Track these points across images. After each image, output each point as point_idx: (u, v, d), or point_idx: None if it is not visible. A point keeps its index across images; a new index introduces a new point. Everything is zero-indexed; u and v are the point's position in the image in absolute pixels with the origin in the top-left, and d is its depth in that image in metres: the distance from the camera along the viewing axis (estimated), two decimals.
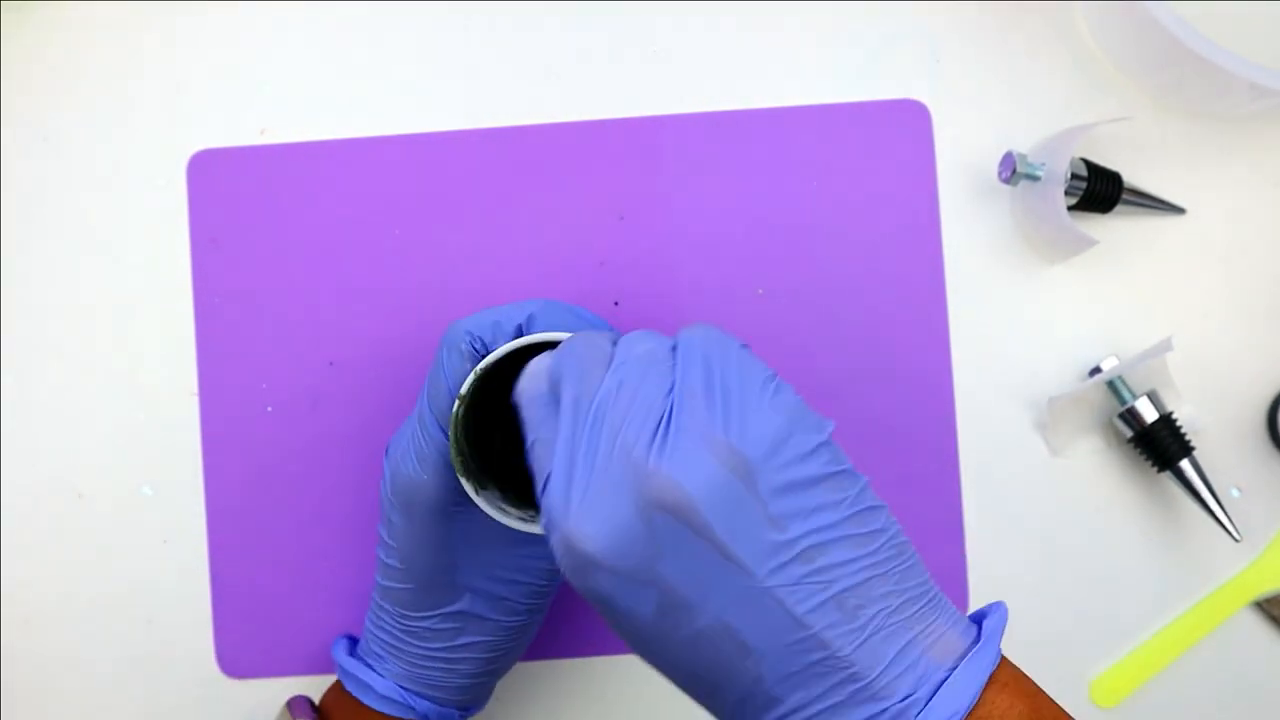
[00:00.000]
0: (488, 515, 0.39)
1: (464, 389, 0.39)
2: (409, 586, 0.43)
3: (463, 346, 0.40)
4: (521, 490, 0.41)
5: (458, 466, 0.39)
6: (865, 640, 0.30)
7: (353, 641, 0.49)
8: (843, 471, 0.32)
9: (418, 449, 0.41)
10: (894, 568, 0.32)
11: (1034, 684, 0.33)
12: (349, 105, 0.53)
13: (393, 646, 0.45)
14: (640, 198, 0.52)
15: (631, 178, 0.52)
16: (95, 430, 0.52)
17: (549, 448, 0.33)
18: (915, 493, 0.51)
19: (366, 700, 0.45)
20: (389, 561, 0.44)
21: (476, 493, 0.39)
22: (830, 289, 0.52)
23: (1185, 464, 0.50)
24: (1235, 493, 0.52)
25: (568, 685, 0.52)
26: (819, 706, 0.30)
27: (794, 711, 0.31)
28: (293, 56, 0.53)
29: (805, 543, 0.30)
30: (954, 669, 0.31)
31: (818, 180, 0.52)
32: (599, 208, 0.52)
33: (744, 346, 0.34)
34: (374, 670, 0.45)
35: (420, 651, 0.44)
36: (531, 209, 0.52)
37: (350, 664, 0.46)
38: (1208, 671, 0.52)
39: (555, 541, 0.32)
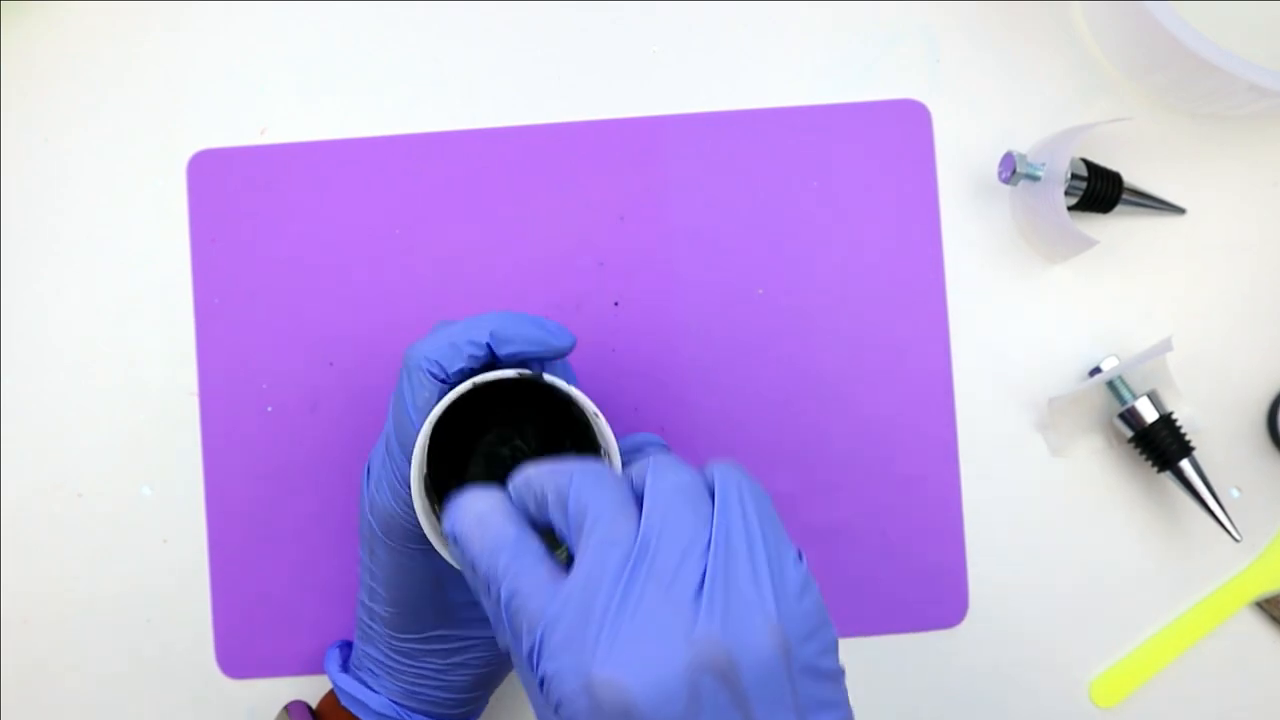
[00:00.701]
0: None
1: (421, 435, 0.38)
2: (394, 611, 0.43)
3: (421, 372, 0.39)
4: None
5: (423, 519, 0.38)
6: None
7: (346, 649, 0.48)
8: (841, 670, 0.32)
9: (390, 480, 0.40)
10: None
11: None
12: (349, 105, 0.53)
13: (384, 665, 0.45)
14: (640, 198, 0.52)
15: (632, 178, 0.52)
16: (95, 430, 0.52)
17: (543, 593, 0.31)
18: (915, 493, 0.51)
19: (364, 717, 0.45)
20: (373, 585, 0.43)
21: (443, 543, 0.38)
22: (830, 289, 0.52)
23: (1185, 464, 0.50)
24: (1235, 493, 0.52)
25: None
26: None
27: None
28: (293, 56, 0.53)
29: None
30: None
31: (818, 180, 0.52)
32: (599, 208, 0.52)
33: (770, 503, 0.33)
34: (368, 687, 0.45)
35: (412, 670, 0.44)
36: (532, 209, 0.52)
37: (344, 681, 0.46)
38: (1208, 672, 0.52)
39: (566, 679, 0.29)
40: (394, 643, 0.44)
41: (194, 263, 0.52)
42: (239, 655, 0.52)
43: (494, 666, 0.45)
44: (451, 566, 0.40)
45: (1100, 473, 0.52)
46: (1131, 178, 0.51)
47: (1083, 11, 0.53)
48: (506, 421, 0.44)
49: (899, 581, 0.51)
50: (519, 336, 0.39)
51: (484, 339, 0.39)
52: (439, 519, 0.39)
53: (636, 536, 0.30)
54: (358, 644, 0.46)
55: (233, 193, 0.52)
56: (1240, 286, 0.52)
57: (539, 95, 0.53)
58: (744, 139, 0.52)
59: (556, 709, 0.30)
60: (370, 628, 0.45)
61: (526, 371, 0.39)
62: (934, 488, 0.52)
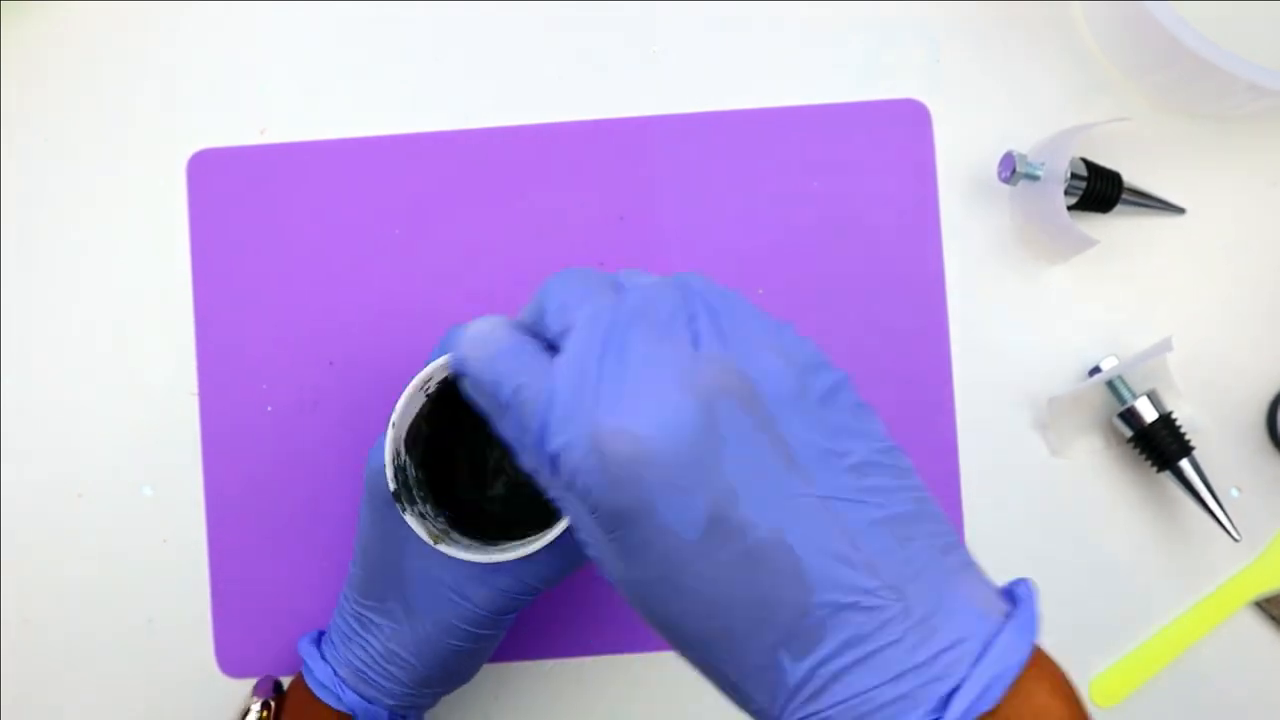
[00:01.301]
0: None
1: (394, 415, 0.40)
2: (361, 572, 0.44)
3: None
4: (473, 522, 0.43)
5: (391, 483, 0.40)
6: (916, 575, 0.27)
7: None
8: (868, 406, 0.29)
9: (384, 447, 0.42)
10: (932, 510, 0.29)
11: (1067, 680, 0.29)
12: (349, 105, 0.53)
13: (343, 633, 0.45)
14: (640, 198, 0.52)
15: (632, 178, 0.52)
16: (95, 430, 0.52)
17: (543, 374, 0.28)
18: None
19: (308, 682, 0.46)
20: (356, 545, 0.45)
21: (405, 510, 0.40)
22: (830, 289, 0.52)
23: (1185, 464, 0.50)
24: (1235, 492, 0.52)
25: (558, 687, 0.52)
26: (869, 647, 0.26)
27: (840, 651, 0.26)
28: (293, 56, 0.53)
29: (855, 457, 0.28)
30: (1000, 627, 0.28)
31: (818, 180, 0.52)
32: (599, 208, 0.52)
33: None
34: (322, 657, 0.46)
35: (361, 642, 0.45)
36: (532, 209, 0.52)
37: (304, 647, 0.47)
38: (1207, 671, 0.52)
39: (574, 446, 0.27)
40: (355, 608, 0.45)
41: (194, 262, 0.52)
42: (238, 654, 0.52)
43: (433, 670, 0.44)
44: (418, 538, 0.40)
45: (1100, 472, 0.52)
46: (1131, 177, 0.51)
47: (1083, 11, 0.53)
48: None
49: None
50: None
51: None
52: (414, 496, 0.41)
53: (621, 304, 0.28)
54: (335, 620, 0.47)
55: (232, 192, 0.52)
56: (1240, 286, 0.52)
57: (538, 95, 0.53)
58: (744, 139, 0.52)
59: (570, 485, 0.27)
60: (344, 595, 0.46)
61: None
62: (933, 487, 0.51)
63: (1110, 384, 0.51)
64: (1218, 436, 0.52)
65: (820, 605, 0.26)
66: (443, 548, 0.40)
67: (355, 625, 0.45)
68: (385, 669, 0.44)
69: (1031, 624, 0.28)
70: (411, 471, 0.42)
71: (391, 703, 0.45)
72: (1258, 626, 0.52)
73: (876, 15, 0.53)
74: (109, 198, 0.52)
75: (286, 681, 0.52)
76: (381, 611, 0.44)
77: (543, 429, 0.27)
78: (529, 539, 0.40)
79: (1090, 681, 0.52)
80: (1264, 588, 0.52)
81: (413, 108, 0.53)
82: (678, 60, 0.53)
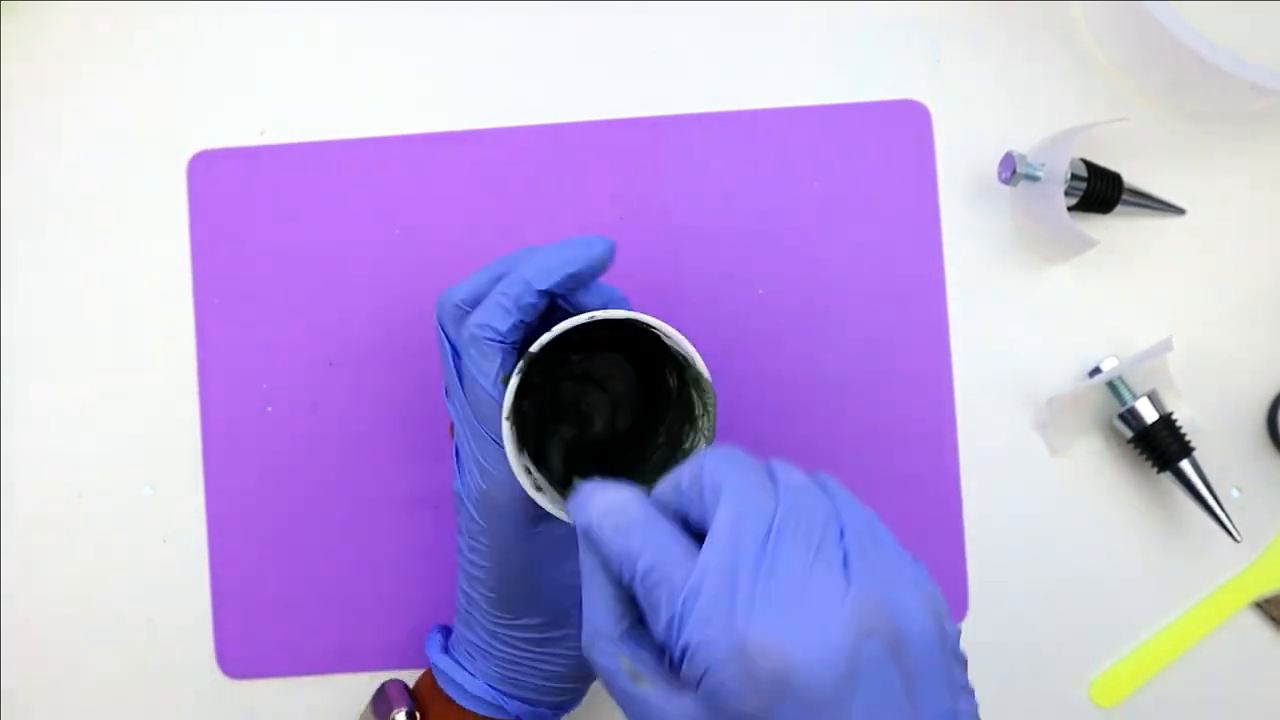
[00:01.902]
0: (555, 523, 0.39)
1: (505, 405, 0.37)
2: (491, 594, 0.43)
3: (482, 343, 0.39)
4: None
5: (523, 481, 0.38)
6: None
7: (446, 632, 0.48)
8: (963, 653, 0.31)
9: (478, 460, 0.40)
10: None
11: None
12: (349, 106, 0.53)
13: (481, 649, 0.44)
14: (640, 198, 0.52)
15: (631, 178, 0.52)
16: (95, 430, 0.52)
17: (683, 565, 0.29)
18: (915, 493, 0.51)
19: (458, 699, 0.44)
20: (471, 569, 0.43)
21: (538, 490, 0.38)
22: (830, 289, 0.52)
23: (1185, 464, 0.50)
24: (1235, 493, 0.52)
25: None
26: None
27: None
28: (293, 57, 0.53)
29: (963, 718, 0.29)
30: None
31: (818, 181, 0.52)
32: (599, 208, 0.52)
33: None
34: (465, 669, 0.45)
35: (508, 655, 0.44)
36: (532, 209, 0.52)
37: (443, 662, 0.45)
38: (1208, 672, 0.52)
39: (715, 646, 0.28)
40: (491, 626, 0.43)
41: (194, 263, 0.52)
42: (239, 655, 0.52)
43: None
44: (549, 548, 0.40)
45: (1100, 473, 0.52)
46: (1131, 178, 0.51)
47: (1083, 12, 0.53)
48: (575, 364, 0.44)
49: None
50: (558, 267, 0.39)
51: (528, 289, 0.39)
52: (538, 477, 0.39)
53: (776, 507, 0.29)
54: (457, 627, 0.46)
55: (232, 193, 0.52)
56: (1240, 286, 0.52)
57: (538, 95, 0.53)
58: (744, 139, 0.52)
59: (700, 680, 0.28)
60: (468, 613, 0.44)
61: (599, 314, 0.38)
62: (933, 487, 0.52)
63: (1110, 384, 0.51)
64: (1218, 437, 0.52)
65: None
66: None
67: (495, 642, 0.44)
68: (541, 670, 0.44)
69: None
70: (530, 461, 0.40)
71: (553, 699, 0.45)
72: (1258, 627, 0.52)
73: (877, 16, 0.53)
74: (109, 198, 0.52)
75: (293, 693, 0.52)
76: (523, 627, 0.43)
77: (679, 620, 0.28)
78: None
79: (1091, 682, 0.52)
80: (1264, 588, 0.52)
81: (412, 108, 0.53)
82: (678, 61, 0.53)
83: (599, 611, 0.31)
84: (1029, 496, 0.52)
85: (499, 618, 0.43)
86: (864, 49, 0.53)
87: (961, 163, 0.52)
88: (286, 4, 0.53)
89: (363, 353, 0.52)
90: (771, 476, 0.31)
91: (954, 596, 0.51)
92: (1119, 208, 0.51)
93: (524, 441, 0.40)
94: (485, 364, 0.39)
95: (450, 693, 0.45)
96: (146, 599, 0.52)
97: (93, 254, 0.52)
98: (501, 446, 0.38)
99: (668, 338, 0.38)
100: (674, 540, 0.30)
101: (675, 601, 0.29)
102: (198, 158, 0.52)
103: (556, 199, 0.52)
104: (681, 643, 0.28)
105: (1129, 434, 0.50)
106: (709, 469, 0.31)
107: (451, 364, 0.41)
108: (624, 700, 0.31)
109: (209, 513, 0.52)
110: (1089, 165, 0.50)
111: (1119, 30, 0.51)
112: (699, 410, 0.40)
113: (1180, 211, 0.52)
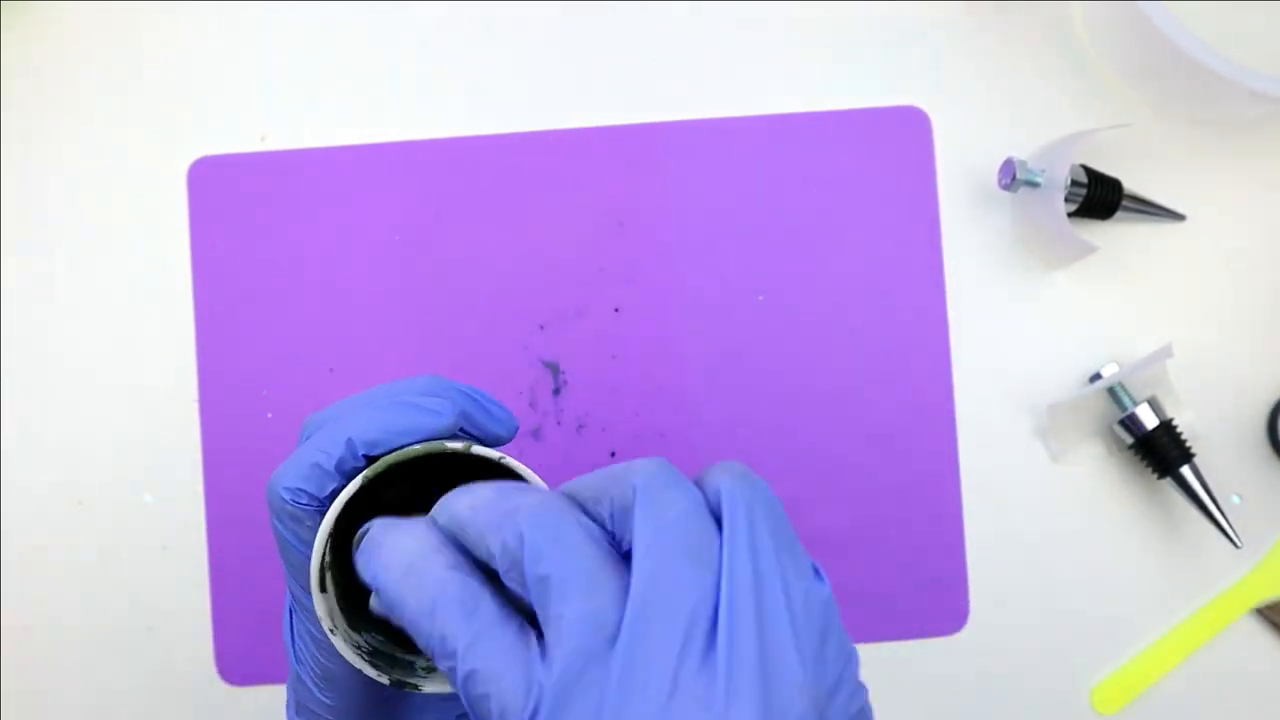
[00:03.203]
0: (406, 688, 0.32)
1: (314, 556, 0.31)
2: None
3: (289, 511, 0.32)
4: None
5: (343, 648, 0.31)
6: None
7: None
8: (866, 690, 0.27)
9: (310, 633, 0.34)
10: None
11: None
12: (350, 112, 0.53)
13: None
14: (640, 204, 0.52)
15: (632, 184, 0.52)
16: (96, 438, 0.52)
17: (514, 674, 0.24)
18: (915, 499, 0.51)
19: None
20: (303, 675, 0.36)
21: (372, 657, 0.32)
22: (830, 296, 0.52)
23: (1186, 470, 0.50)
24: (1236, 499, 0.52)
25: None
26: None
27: None
28: (294, 63, 0.53)
29: None
30: None
31: (818, 187, 0.52)
32: (599, 214, 0.52)
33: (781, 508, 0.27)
34: None
35: None
36: (532, 215, 0.52)
37: None
38: (1208, 678, 0.52)
39: None
40: None
41: (194, 270, 0.52)
42: (239, 662, 0.51)
43: None
44: (411, 691, 0.33)
45: (1100, 479, 0.52)
46: (1131, 184, 0.51)
47: (1082, 18, 0.53)
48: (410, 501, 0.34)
49: (899, 588, 0.51)
50: (388, 434, 0.32)
51: (352, 452, 0.31)
52: (370, 639, 0.33)
53: (624, 609, 0.24)
54: None
55: (233, 199, 0.52)
56: (1240, 293, 0.52)
57: (538, 102, 0.53)
58: (744, 145, 0.52)
59: None
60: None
61: (434, 445, 0.32)
62: (934, 494, 0.52)
63: (1111, 390, 0.51)
64: (1218, 443, 0.52)
65: None
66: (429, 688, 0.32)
67: None
68: None
69: None
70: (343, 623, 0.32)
71: None
72: (1259, 633, 0.52)
73: (877, 23, 0.53)
74: (110, 205, 0.52)
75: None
76: None
77: None
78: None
79: (1091, 688, 0.52)
80: (1265, 595, 0.52)
81: (413, 115, 0.53)
82: (677, 67, 0.53)
83: None
84: (1029, 503, 0.52)
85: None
86: (864, 56, 0.53)
87: (961, 169, 0.52)
88: (288, 10, 0.53)
89: (363, 359, 0.52)
90: (613, 549, 0.26)
91: (954, 603, 0.51)
92: (1119, 214, 0.51)
93: (347, 607, 0.33)
94: (297, 529, 0.32)
95: None
96: (147, 606, 0.52)
97: (93, 260, 0.52)
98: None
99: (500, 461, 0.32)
100: (495, 629, 0.25)
101: (514, 709, 0.24)
102: (199, 164, 0.52)
103: (556, 205, 0.52)
104: None
105: (1129, 440, 0.50)
106: (530, 547, 0.25)
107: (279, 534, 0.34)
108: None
109: (209, 520, 0.52)
110: (1089, 171, 0.50)
111: (1119, 36, 0.51)
112: None
113: (1180, 217, 0.52)
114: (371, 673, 0.31)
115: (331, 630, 0.31)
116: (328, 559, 0.31)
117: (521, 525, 0.26)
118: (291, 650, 0.35)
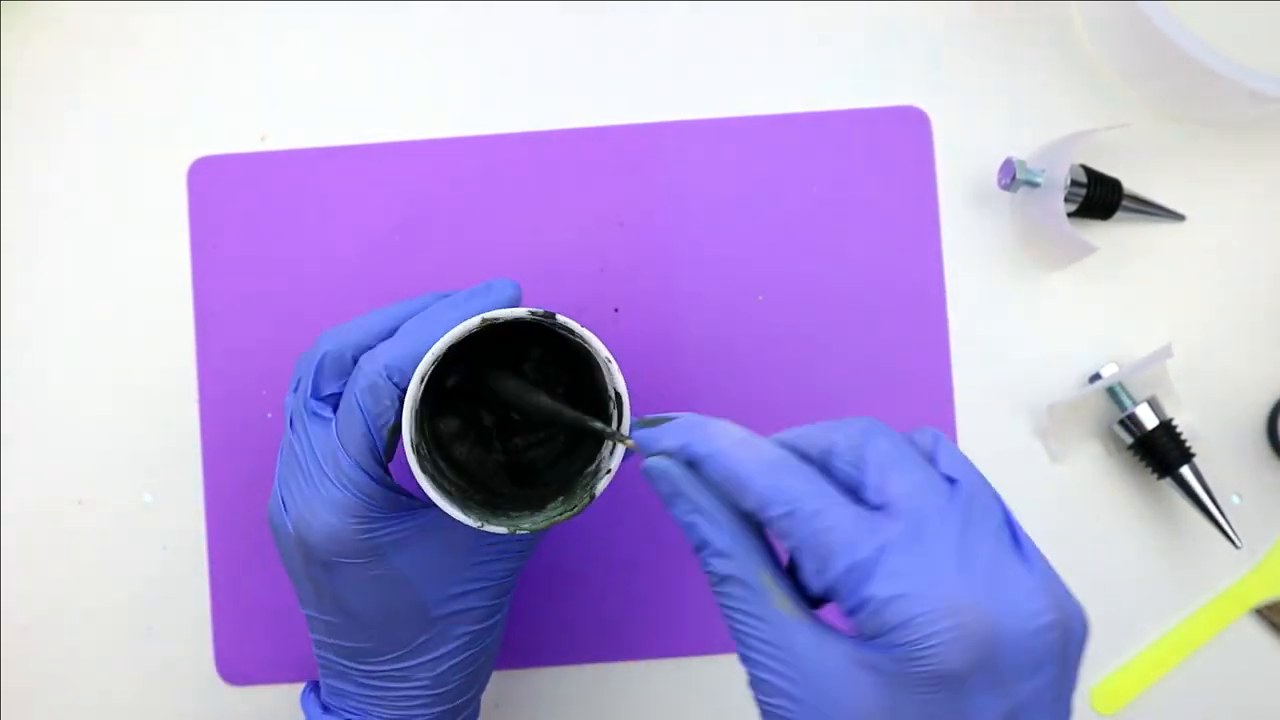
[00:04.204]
0: (434, 531, 0.38)
1: (421, 371, 0.36)
2: (369, 642, 0.41)
3: (379, 381, 0.38)
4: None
5: (419, 469, 0.36)
6: None
7: (318, 686, 0.45)
8: None
9: (334, 503, 0.38)
10: None
11: None
12: (349, 112, 0.53)
13: (368, 697, 0.42)
14: (640, 204, 0.52)
15: (632, 184, 0.52)
16: (96, 438, 0.52)
17: (856, 514, 0.30)
18: None
19: None
20: (332, 622, 0.41)
21: (443, 495, 0.37)
22: (830, 296, 0.52)
23: (1185, 470, 0.50)
24: (1236, 499, 0.52)
25: (565, 693, 0.52)
26: None
27: None
28: (294, 63, 0.53)
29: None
30: None
31: (818, 187, 0.52)
32: (599, 214, 0.52)
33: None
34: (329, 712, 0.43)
35: (400, 693, 0.42)
36: (532, 215, 0.52)
37: (312, 712, 0.43)
38: (1208, 678, 0.52)
39: (923, 604, 0.28)
40: (376, 670, 0.41)
41: (194, 269, 0.52)
42: (239, 662, 0.52)
43: (477, 665, 0.43)
44: (414, 571, 0.39)
45: (1100, 479, 0.52)
46: (1131, 184, 0.51)
47: (1082, 18, 0.53)
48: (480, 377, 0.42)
49: None
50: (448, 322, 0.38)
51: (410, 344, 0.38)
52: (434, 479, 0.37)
53: (951, 488, 0.31)
54: (330, 683, 0.43)
55: (233, 199, 0.52)
56: (1240, 293, 0.52)
57: (538, 102, 0.53)
58: (744, 145, 0.52)
59: (891, 632, 0.28)
60: (340, 664, 0.42)
61: (538, 311, 0.37)
62: None
63: (1110, 391, 0.51)
64: (1218, 443, 0.52)
65: None
66: (490, 527, 0.37)
67: (384, 684, 0.42)
68: (436, 692, 0.42)
69: None
70: (424, 449, 0.38)
71: None
72: (1258, 633, 0.52)
73: (876, 22, 0.53)
74: (109, 204, 0.52)
75: (293, 699, 0.52)
76: (413, 652, 0.41)
77: (864, 569, 0.29)
78: (562, 494, 0.39)
79: (1091, 689, 0.52)
80: (1265, 595, 0.52)
81: (412, 115, 0.53)
82: (677, 67, 0.53)
83: (723, 534, 0.31)
84: (1029, 503, 0.52)
85: (381, 660, 0.41)
86: (864, 55, 0.53)
87: (961, 169, 0.52)
88: (288, 10, 0.53)
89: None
90: (933, 459, 0.32)
91: None
92: (1119, 214, 0.51)
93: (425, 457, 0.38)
94: (376, 406, 0.38)
95: None
96: (146, 606, 0.52)
97: (92, 260, 0.52)
98: (364, 474, 0.38)
99: (565, 329, 0.38)
100: (836, 491, 0.30)
101: (857, 550, 0.29)
102: (198, 163, 0.52)
103: (557, 205, 0.52)
104: (867, 592, 0.29)
105: (1129, 440, 0.50)
106: (870, 442, 0.31)
107: (307, 399, 0.40)
108: (753, 626, 0.31)
109: (209, 519, 0.52)
110: (1089, 171, 0.50)
111: (1119, 37, 0.51)
112: (609, 396, 0.38)
113: (1180, 218, 0.52)
114: (456, 511, 0.36)
115: (420, 459, 0.37)
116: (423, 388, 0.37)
117: (859, 424, 0.32)
118: (286, 528, 0.40)
